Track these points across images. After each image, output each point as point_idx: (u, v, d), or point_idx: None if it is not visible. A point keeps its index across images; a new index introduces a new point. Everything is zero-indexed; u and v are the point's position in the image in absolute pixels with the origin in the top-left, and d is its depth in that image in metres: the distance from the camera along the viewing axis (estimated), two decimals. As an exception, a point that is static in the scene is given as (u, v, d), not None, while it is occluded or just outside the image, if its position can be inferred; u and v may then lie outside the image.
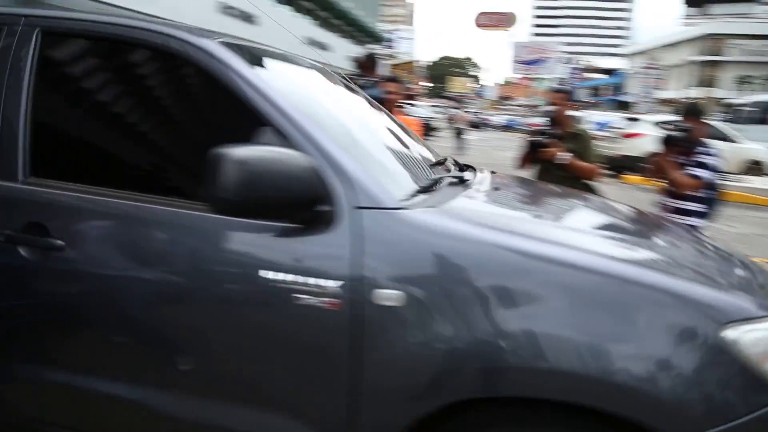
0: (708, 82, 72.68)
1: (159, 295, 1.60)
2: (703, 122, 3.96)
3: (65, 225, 1.61)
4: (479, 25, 22.34)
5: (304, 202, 1.42)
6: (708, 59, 72.78)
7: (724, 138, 11.98)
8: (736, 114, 18.87)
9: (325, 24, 27.01)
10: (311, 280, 1.42)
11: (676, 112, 8.27)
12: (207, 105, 1.85)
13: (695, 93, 64.04)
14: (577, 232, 1.83)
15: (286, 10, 19.88)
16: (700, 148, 3.79)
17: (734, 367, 1.35)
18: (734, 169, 11.84)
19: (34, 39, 1.68)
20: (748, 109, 18.68)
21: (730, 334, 1.34)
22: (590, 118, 16.23)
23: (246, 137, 1.49)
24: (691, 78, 70.76)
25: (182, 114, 1.89)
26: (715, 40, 73.08)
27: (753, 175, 12.24)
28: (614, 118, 17.22)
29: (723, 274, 1.74)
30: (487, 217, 1.79)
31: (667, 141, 3.84)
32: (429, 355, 1.39)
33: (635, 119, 13.99)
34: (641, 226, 2.24)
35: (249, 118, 1.54)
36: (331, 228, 1.44)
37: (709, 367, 1.36)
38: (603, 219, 2.23)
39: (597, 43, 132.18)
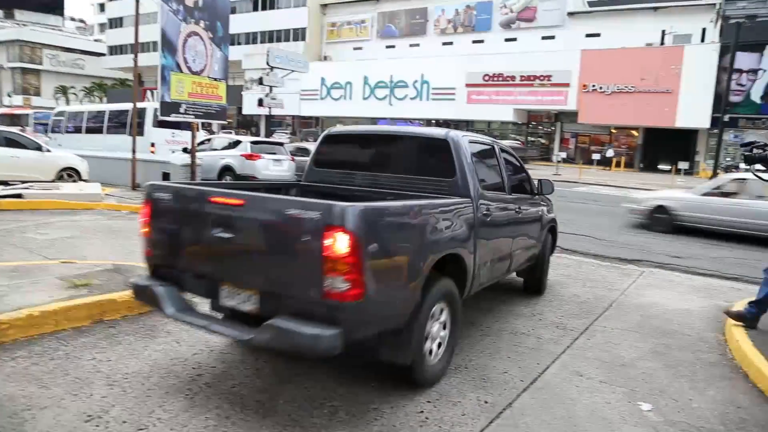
0: (28, 90, 69.05)
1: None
2: None
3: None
4: None
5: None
6: (24, 66, 69.14)
7: (38, 148, 12.44)
8: (54, 123, 19.46)
9: None
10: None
11: None
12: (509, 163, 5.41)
13: (17, 100, 60.28)
14: None
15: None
16: None
17: None
18: (49, 177, 12.26)
19: (496, 149, 5.11)
20: (61, 118, 19.23)
21: None
22: None
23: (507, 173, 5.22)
24: (10, 84, 65.69)
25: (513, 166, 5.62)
26: (30, 48, 69.23)
27: (70, 181, 12.65)
28: None
29: None
30: None
31: None
32: None
33: None
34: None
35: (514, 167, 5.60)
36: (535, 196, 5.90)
37: None
38: None
39: None
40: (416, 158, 4.59)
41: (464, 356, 4.23)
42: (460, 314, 3.94)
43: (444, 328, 3.75)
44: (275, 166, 13.75)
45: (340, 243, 2.70)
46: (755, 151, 4.66)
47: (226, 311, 3.51)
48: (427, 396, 3.50)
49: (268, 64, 24.50)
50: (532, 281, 6.21)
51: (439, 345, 3.71)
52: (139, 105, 14.48)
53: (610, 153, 35.97)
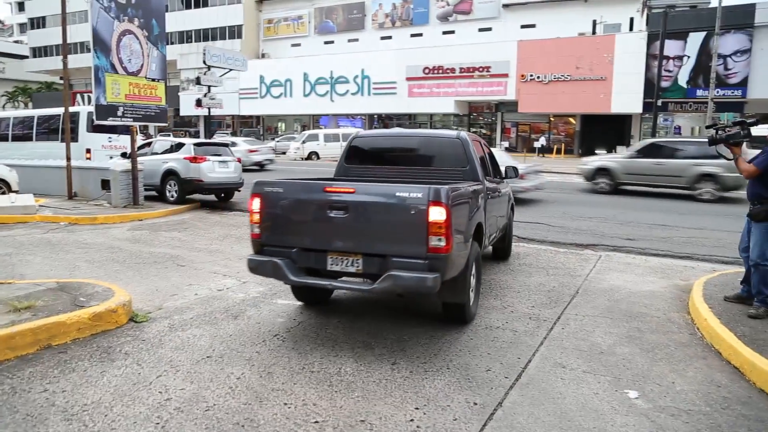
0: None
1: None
2: None
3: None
4: None
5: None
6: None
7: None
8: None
9: None
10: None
11: None
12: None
13: None
14: None
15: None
16: None
17: None
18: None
19: (482, 143, 6.68)
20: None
21: None
22: None
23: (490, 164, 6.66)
24: None
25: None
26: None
27: (-1, 194, 11.72)
28: None
29: None
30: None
31: None
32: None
33: None
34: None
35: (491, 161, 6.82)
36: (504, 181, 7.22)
37: None
38: None
39: None
40: (434, 153, 5.85)
41: (444, 356, 4.10)
42: (481, 271, 5.49)
43: (475, 280, 4.95)
44: (221, 168, 13.24)
45: (439, 213, 3.87)
46: (719, 132, 4.75)
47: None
48: (414, 402, 3.34)
49: (204, 63, 23.71)
50: (502, 248, 7.59)
51: (473, 293, 4.94)
52: (72, 109, 13.63)
53: (542, 141, 37.09)
